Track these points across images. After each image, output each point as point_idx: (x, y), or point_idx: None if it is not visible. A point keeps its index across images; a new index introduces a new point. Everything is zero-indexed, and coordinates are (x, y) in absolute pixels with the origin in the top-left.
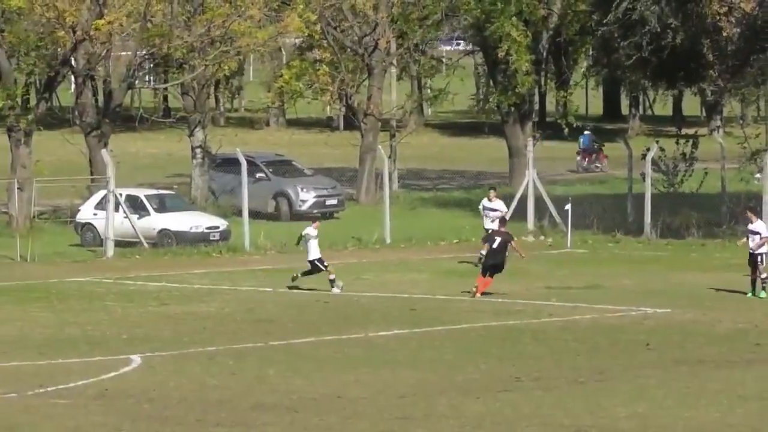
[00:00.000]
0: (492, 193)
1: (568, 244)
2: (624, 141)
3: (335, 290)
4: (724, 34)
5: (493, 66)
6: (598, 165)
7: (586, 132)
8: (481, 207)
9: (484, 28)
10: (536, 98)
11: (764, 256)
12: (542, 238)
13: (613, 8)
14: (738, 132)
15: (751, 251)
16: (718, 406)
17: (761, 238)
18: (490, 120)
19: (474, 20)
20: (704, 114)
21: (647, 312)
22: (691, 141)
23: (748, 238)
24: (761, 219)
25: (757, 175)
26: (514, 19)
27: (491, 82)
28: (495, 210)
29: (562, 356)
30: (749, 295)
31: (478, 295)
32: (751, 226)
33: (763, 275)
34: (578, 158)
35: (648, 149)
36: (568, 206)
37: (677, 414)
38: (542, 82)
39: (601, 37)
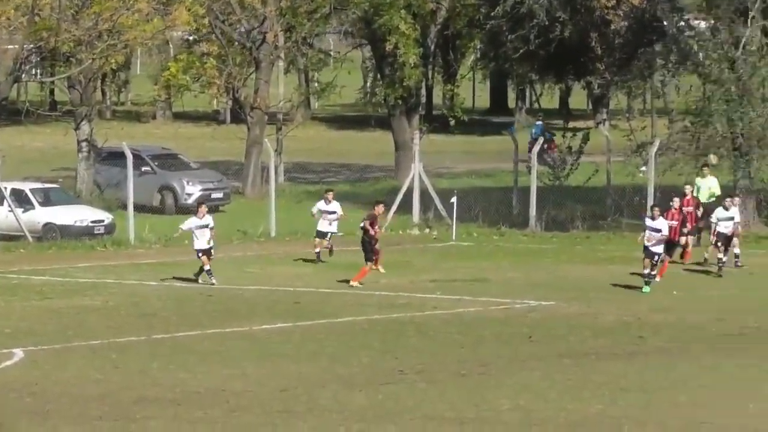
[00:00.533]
0: (330, 195)
1: (453, 237)
2: (510, 134)
3: (206, 281)
4: (612, 27)
5: (380, 59)
6: (550, 155)
7: (538, 122)
8: (315, 210)
9: (372, 21)
10: (423, 91)
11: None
12: (427, 230)
13: (502, 1)
14: (624, 125)
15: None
16: (601, 398)
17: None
18: (377, 113)
19: (362, 13)
20: (590, 107)
21: (531, 305)
22: (577, 134)
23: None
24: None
25: (643, 168)
26: (402, 12)
27: (379, 75)
28: (333, 212)
29: (446, 349)
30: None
31: (355, 282)
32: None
33: (646, 271)
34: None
35: (537, 142)
36: (453, 199)
37: (560, 406)
38: (429, 76)
39: (489, 31)
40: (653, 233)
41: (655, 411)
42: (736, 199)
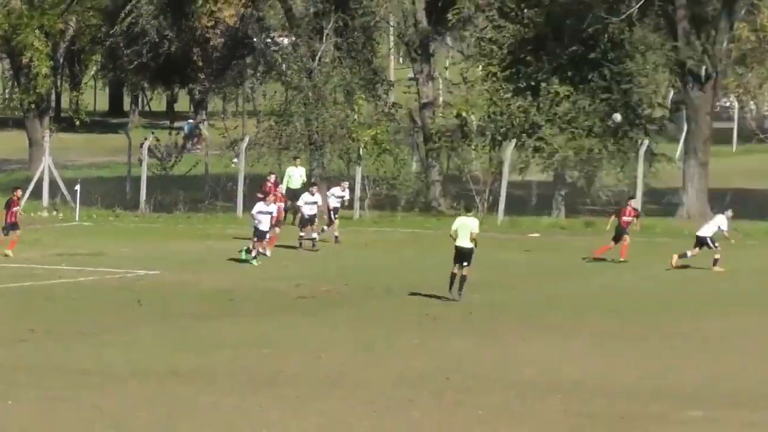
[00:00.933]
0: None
1: (77, 218)
2: (125, 133)
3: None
4: (211, 43)
5: (17, 70)
6: (199, 147)
7: (190, 120)
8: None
9: (11, 38)
10: (53, 97)
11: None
12: (55, 213)
13: (119, 22)
14: (220, 124)
15: None
16: (200, 352)
17: None
18: (14, 115)
19: (3, 32)
20: (192, 109)
21: (140, 274)
22: (179, 132)
23: None
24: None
25: (235, 160)
26: (36, 31)
27: (15, 83)
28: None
29: (70, 312)
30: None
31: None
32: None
33: (257, 250)
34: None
35: (146, 139)
36: (77, 186)
37: (166, 360)
38: (58, 84)
39: (109, 46)
40: (263, 215)
41: (243, 362)
42: (315, 187)
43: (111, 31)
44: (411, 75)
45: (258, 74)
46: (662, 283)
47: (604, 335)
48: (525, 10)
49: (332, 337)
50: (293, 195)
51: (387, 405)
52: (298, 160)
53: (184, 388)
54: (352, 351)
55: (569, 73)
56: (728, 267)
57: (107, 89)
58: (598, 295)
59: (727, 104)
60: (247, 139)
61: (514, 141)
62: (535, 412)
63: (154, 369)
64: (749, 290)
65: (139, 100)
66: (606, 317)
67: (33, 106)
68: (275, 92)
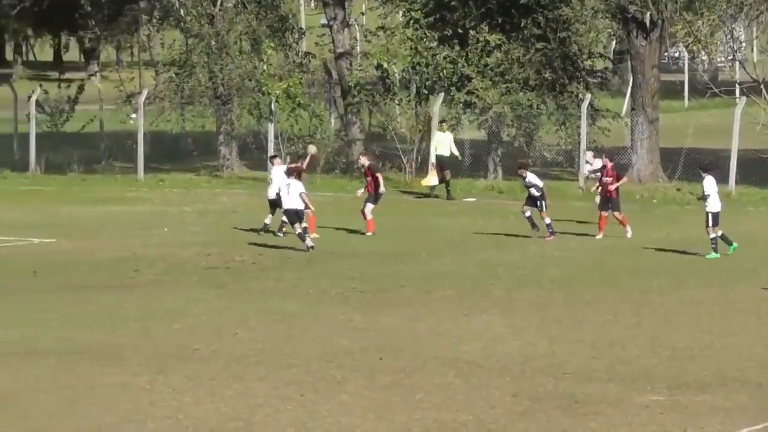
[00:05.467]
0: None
1: None
2: (9, 85)
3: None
4: None
5: None
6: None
7: None
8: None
9: None
10: None
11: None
12: None
13: None
14: (114, 76)
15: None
16: (102, 327)
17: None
18: None
19: None
20: (83, 59)
21: (34, 242)
22: (72, 85)
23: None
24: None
25: (133, 116)
26: None
27: None
28: None
29: None
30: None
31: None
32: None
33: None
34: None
35: (33, 92)
36: None
37: (63, 336)
38: None
39: None
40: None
41: (151, 338)
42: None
43: None
44: (324, 21)
45: (154, 20)
46: (608, 252)
47: (549, 309)
48: None
49: (249, 311)
50: (444, 163)
51: (314, 387)
52: (444, 123)
53: (87, 367)
54: (272, 327)
55: (499, 20)
56: (689, 236)
57: None
58: (539, 264)
59: (677, 54)
60: (145, 92)
61: (442, 95)
62: (480, 395)
63: (53, 347)
64: (704, 260)
65: (23, 48)
66: (550, 289)
67: None
68: (174, 41)
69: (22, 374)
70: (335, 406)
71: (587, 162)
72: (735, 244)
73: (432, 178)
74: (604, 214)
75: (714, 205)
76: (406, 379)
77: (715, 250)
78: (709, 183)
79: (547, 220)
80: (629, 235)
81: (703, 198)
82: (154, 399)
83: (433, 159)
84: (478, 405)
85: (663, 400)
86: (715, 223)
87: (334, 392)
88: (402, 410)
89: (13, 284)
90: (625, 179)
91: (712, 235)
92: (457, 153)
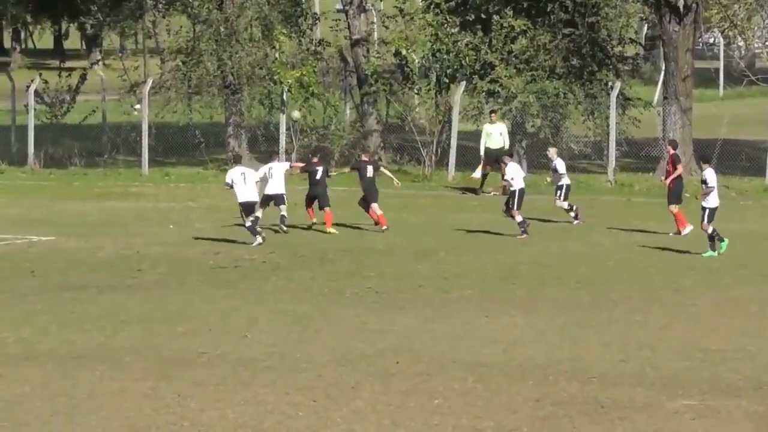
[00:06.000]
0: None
1: None
2: (7, 74)
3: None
4: None
5: None
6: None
7: None
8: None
9: None
10: None
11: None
12: None
13: None
14: (118, 64)
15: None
16: (102, 330)
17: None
18: None
19: None
20: (85, 47)
21: (32, 240)
22: (73, 74)
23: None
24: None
25: (137, 106)
26: None
27: None
28: None
29: None
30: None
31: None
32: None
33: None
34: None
35: (32, 81)
36: None
37: (62, 338)
38: None
39: None
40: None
41: (154, 341)
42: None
43: None
44: (339, 6)
45: (160, 5)
46: (637, 248)
47: (574, 309)
48: None
49: (258, 312)
50: (494, 157)
51: (326, 393)
52: (494, 114)
53: (87, 372)
54: (283, 329)
55: (525, 4)
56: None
57: None
58: (563, 262)
59: (712, 40)
60: (150, 81)
61: (463, 83)
62: (502, 401)
63: (51, 350)
64: (742, 256)
65: (22, 36)
66: (574, 289)
67: None
68: (181, 27)
69: (18, 380)
70: (349, 412)
71: (550, 159)
72: (726, 240)
73: (479, 171)
74: (673, 209)
75: (714, 200)
76: (424, 383)
77: (713, 248)
78: (712, 175)
79: (519, 218)
80: (672, 234)
81: (707, 192)
82: (157, 405)
83: (482, 152)
84: (499, 411)
85: (694, 404)
86: (711, 220)
87: (348, 398)
88: (419, 416)
89: (9, 285)
90: (679, 170)
91: (710, 230)
92: (507, 145)
